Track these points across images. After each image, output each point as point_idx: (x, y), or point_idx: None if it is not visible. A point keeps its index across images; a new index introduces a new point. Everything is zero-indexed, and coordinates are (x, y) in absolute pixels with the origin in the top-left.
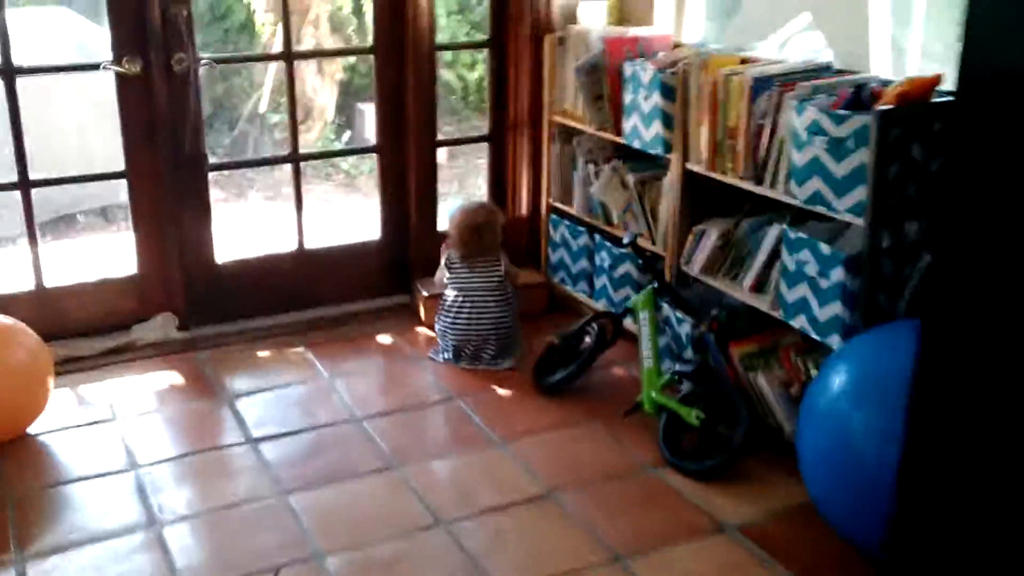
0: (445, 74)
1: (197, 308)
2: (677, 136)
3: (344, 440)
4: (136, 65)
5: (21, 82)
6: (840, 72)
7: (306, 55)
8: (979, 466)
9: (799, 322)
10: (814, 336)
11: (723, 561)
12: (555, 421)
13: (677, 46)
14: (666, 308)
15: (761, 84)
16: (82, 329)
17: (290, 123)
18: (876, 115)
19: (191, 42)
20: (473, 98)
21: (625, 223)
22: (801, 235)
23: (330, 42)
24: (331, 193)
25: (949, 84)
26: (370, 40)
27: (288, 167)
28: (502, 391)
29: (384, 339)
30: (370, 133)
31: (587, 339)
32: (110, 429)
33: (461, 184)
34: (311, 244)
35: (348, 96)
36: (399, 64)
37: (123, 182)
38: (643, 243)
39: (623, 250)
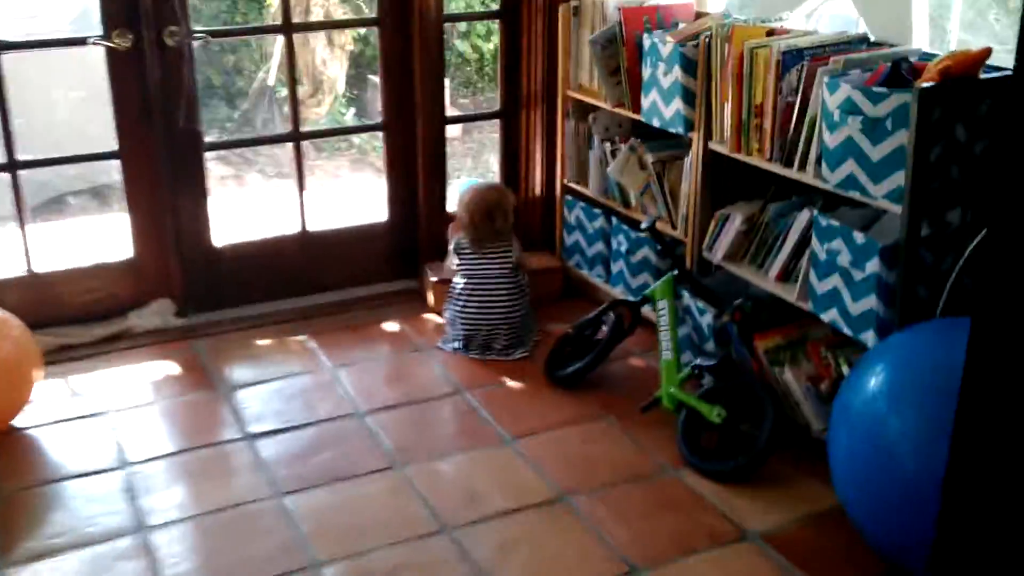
0: (459, 44)
1: (195, 294)
2: (699, 114)
3: (345, 436)
4: (127, 39)
5: (7, 57)
6: (876, 44)
7: (306, 27)
8: None
9: (830, 316)
10: (846, 331)
11: (746, 572)
12: (568, 416)
13: (699, 15)
14: (686, 297)
15: (790, 58)
16: (75, 316)
17: (291, 99)
18: (917, 93)
19: (184, 15)
20: (489, 69)
21: (643, 206)
22: (833, 222)
23: (339, 13)
24: (343, 169)
25: (997, 59)
26: (376, 10)
27: (291, 145)
28: (513, 383)
29: (390, 326)
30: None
31: (603, 328)
32: (101, 423)
33: (475, 160)
34: (315, 226)
35: (360, 68)
36: (405, 36)
37: (116, 163)
38: (662, 227)
39: (641, 234)
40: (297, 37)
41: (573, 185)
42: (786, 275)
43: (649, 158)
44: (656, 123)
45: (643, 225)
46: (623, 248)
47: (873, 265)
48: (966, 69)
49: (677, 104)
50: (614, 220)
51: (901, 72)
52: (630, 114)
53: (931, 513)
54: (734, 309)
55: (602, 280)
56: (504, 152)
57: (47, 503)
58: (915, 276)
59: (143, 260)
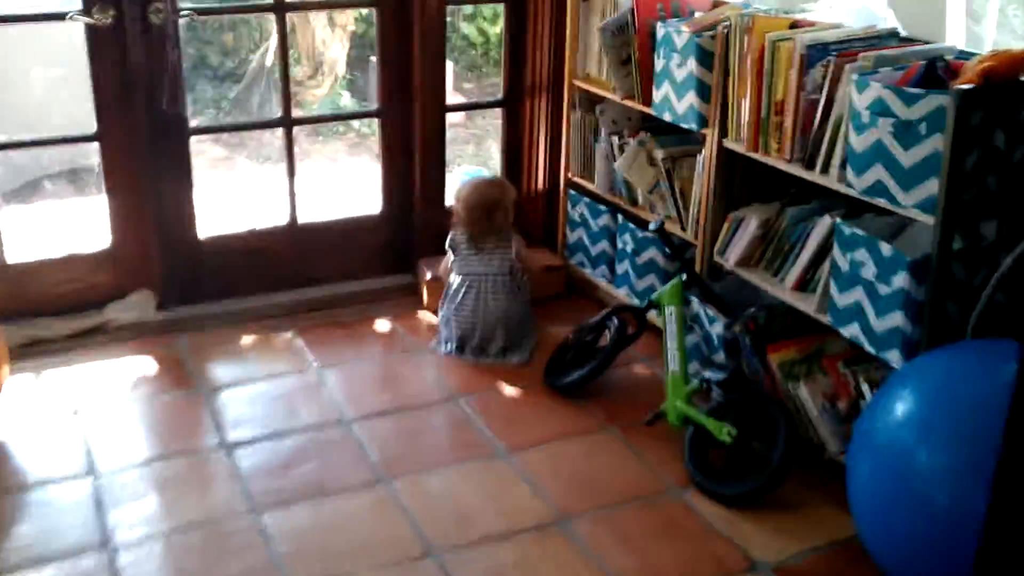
0: (465, 27)
1: (177, 286)
2: (714, 109)
3: (330, 446)
4: (108, 15)
5: None
6: (907, 41)
7: (300, 6)
8: None
9: (851, 331)
10: (869, 349)
11: None
12: (567, 428)
13: (717, 4)
14: (695, 303)
15: (815, 52)
16: (50, 308)
17: (283, 82)
18: (956, 96)
19: None
20: (495, 53)
21: (652, 205)
22: (858, 231)
23: None
24: (340, 153)
25: None
26: None
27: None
28: (509, 390)
29: (382, 325)
30: None
31: (606, 334)
32: (71, 425)
33: (477, 147)
34: (305, 218)
35: (363, 49)
36: (405, 18)
37: (95, 145)
38: (671, 228)
39: (648, 235)
40: (296, 16)
41: (578, 179)
42: (804, 284)
43: (659, 154)
44: (668, 118)
45: (651, 226)
46: (629, 248)
47: (901, 279)
48: (1010, 71)
49: (691, 98)
50: (620, 218)
51: (936, 72)
52: (640, 107)
53: (964, 554)
54: (746, 318)
55: (606, 281)
56: (506, 143)
57: (8, 513)
58: (945, 292)
59: (122, 249)
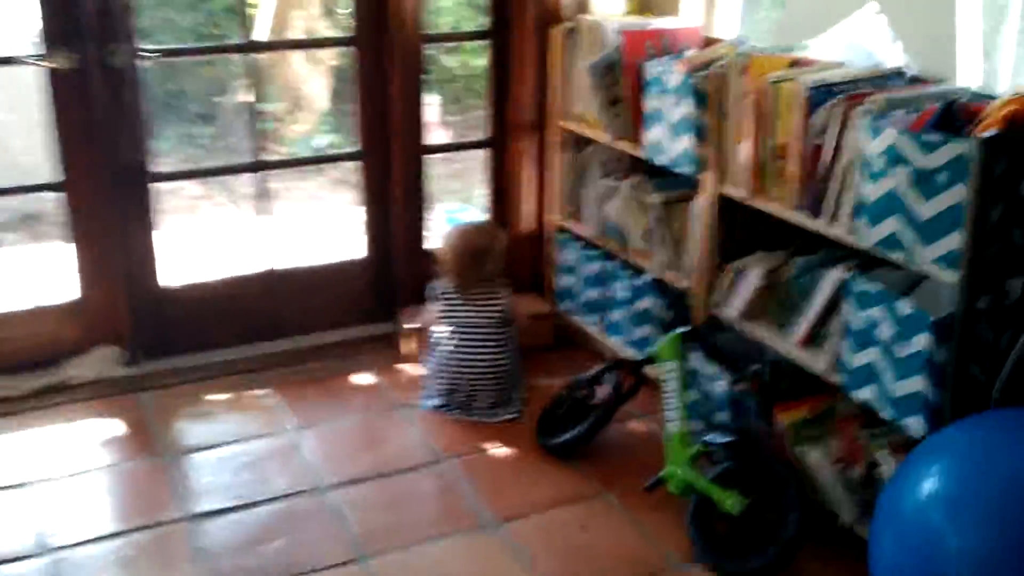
0: (448, 61)
1: (144, 340)
2: (711, 153)
3: (304, 518)
4: (69, 59)
5: None
6: (916, 80)
7: (271, 46)
8: None
9: (865, 394)
10: (886, 415)
11: None
12: (562, 494)
13: (708, 42)
14: (695, 358)
15: (820, 94)
16: (8, 364)
17: (251, 124)
18: (980, 143)
19: (129, 31)
20: (479, 86)
21: (646, 251)
22: (872, 288)
23: (322, 27)
24: (324, 190)
25: None
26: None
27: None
28: (499, 451)
29: (362, 379)
30: None
31: (600, 390)
32: (24, 496)
33: (463, 183)
34: (282, 264)
35: (346, 83)
36: (382, 58)
37: (59, 195)
38: (668, 275)
39: (643, 282)
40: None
41: (567, 223)
42: (812, 339)
43: (653, 199)
44: (662, 161)
45: (646, 279)
46: (623, 295)
47: (922, 340)
48: None
49: (686, 141)
50: (612, 264)
51: (953, 115)
52: (631, 149)
53: None
54: (751, 375)
55: (598, 329)
56: (492, 184)
57: None
58: (970, 354)
59: (91, 301)
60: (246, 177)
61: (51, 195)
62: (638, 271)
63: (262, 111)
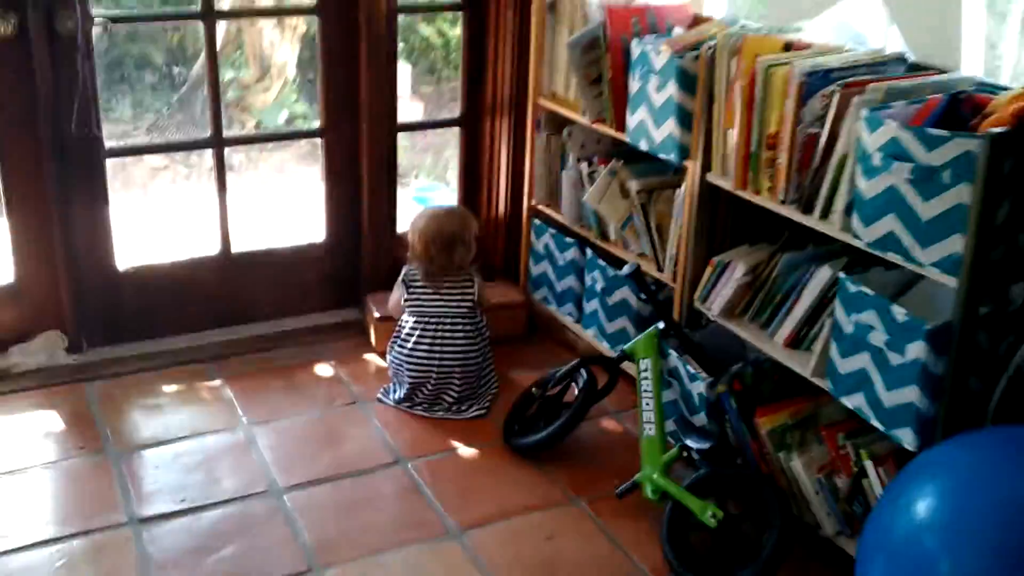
0: (423, 29)
1: (91, 325)
2: (697, 140)
3: (255, 524)
4: (8, 24)
5: None
6: (917, 68)
7: (231, 15)
8: None
9: (855, 401)
10: (876, 424)
11: None
12: (529, 498)
13: (697, 20)
14: (674, 356)
15: (815, 80)
16: None
17: (211, 100)
18: (987, 140)
19: None
20: (455, 57)
21: (625, 241)
22: (866, 290)
23: None
24: (289, 163)
25: None
26: None
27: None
28: (465, 451)
29: (323, 370)
30: None
31: (573, 387)
32: None
33: (436, 157)
34: (241, 246)
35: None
36: (351, 28)
37: None
38: (646, 267)
39: (620, 273)
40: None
41: (542, 208)
42: (797, 342)
43: (633, 185)
44: (644, 146)
45: (624, 270)
46: (598, 286)
47: (917, 349)
48: None
49: (671, 126)
50: (589, 252)
51: (959, 109)
52: (612, 132)
53: None
54: (732, 376)
55: (573, 320)
56: (464, 165)
57: None
58: (968, 365)
59: (27, 284)
60: (206, 152)
61: None
62: (616, 261)
63: (226, 80)
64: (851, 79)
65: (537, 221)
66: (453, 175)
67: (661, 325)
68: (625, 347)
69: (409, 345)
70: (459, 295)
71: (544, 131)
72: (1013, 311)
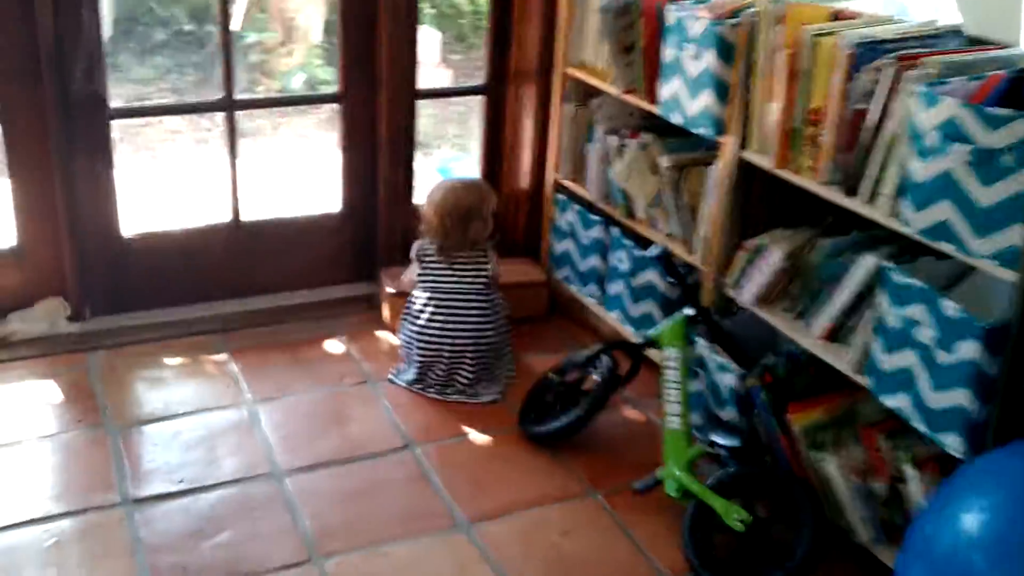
0: None
1: (95, 293)
2: (734, 113)
3: (255, 508)
4: None
5: None
6: (976, 42)
7: None
8: None
9: (897, 402)
10: (920, 427)
11: None
12: (544, 490)
13: None
14: (702, 344)
15: (865, 53)
16: None
17: (223, 60)
18: None
19: None
20: (485, 24)
21: (653, 220)
22: (914, 282)
23: None
24: (310, 130)
25: None
26: None
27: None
28: (477, 437)
29: (334, 346)
30: None
31: (593, 374)
32: None
33: (461, 127)
34: (252, 215)
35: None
36: None
37: None
38: (676, 248)
39: (647, 254)
40: None
41: (567, 183)
42: (835, 334)
43: (664, 161)
44: (676, 119)
45: (651, 252)
46: (624, 267)
47: (969, 349)
48: None
49: (706, 99)
50: (615, 231)
51: (1022, 86)
52: (644, 103)
53: None
54: (763, 369)
55: (595, 301)
56: (486, 136)
57: None
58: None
59: (29, 248)
60: (220, 116)
61: None
62: (643, 241)
63: (248, 43)
64: (905, 52)
65: (561, 196)
66: (476, 146)
67: (689, 311)
68: (650, 333)
69: (420, 322)
70: (473, 271)
71: (571, 101)
72: None
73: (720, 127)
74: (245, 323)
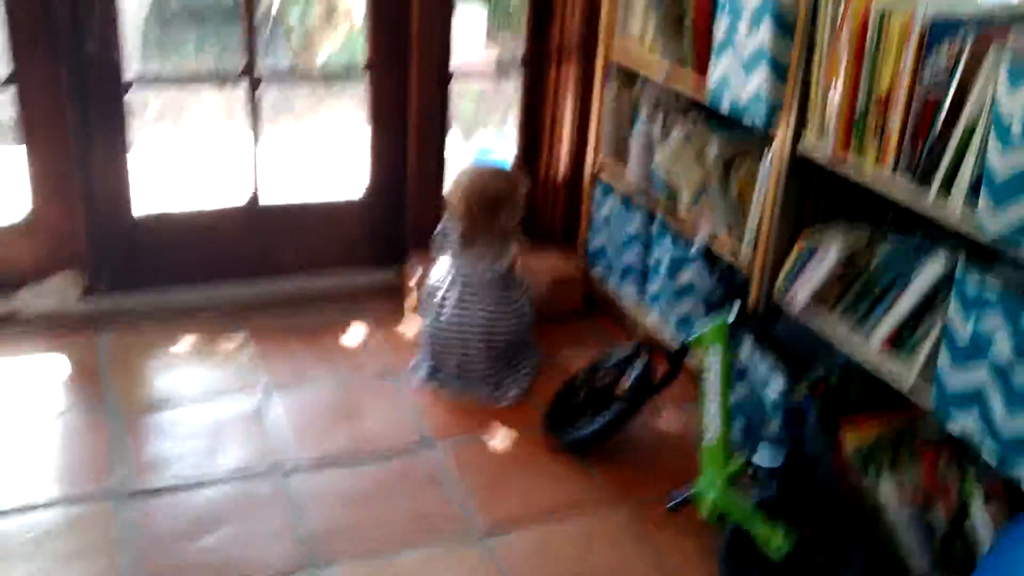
0: None
1: (109, 269)
2: (791, 96)
3: (253, 507)
4: None
5: None
6: None
7: None
8: None
9: (963, 426)
10: (988, 458)
11: None
12: (566, 503)
13: None
14: (746, 349)
15: (943, 28)
16: None
17: (246, 25)
18: None
19: None
20: None
21: (698, 213)
22: (992, 290)
23: None
24: (352, 113)
25: None
26: None
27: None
28: (498, 441)
29: (355, 335)
30: None
31: (627, 376)
32: None
33: (505, 114)
34: (273, 199)
35: None
36: None
37: (10, 90)
38: (722, 245)
39: (690, 250)
40: None
41: (607, 171)
42: (898, 344)
43: (712, 149)
44: (727, 102)
45: (695, 247)
46: (664, 264)
47: None
48: None
49: (760, 78)
50: (656, 224)
51: None
52: (692, 85)
53: None
54: (815, 379)
55: (633, 300)
56: (524, 118)
57: None
58: None
59: (43, 220)
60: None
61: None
62: (686, 236)
63: (295, 24)
64: (987, 29)
65: (601, 185)
66: (513, 129)
67: (733, 313)
68: (690, 337)
69: (435, 311)
70: (492, 257)
71: (614, 81)
72: None
73: (775, 111)
74: (264, 307)
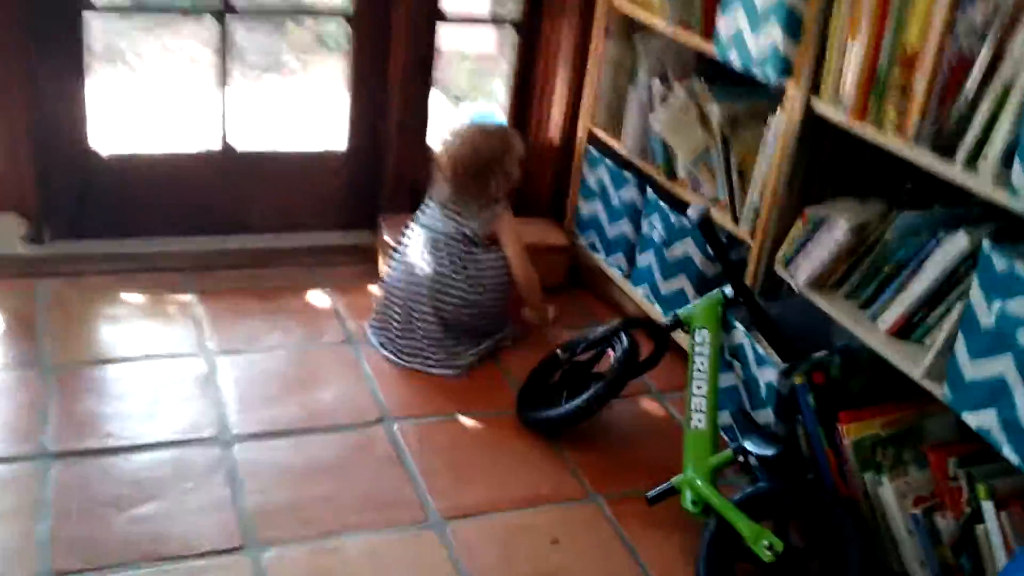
0: None
1: (58, 213)
2: (806, 53)
3: (190, 477)
4: None
5: None
6: None
7: None
8: None
9: (981, 420)
10: (1010, 456)
11: None
12: (536, 488)
13: None
14: (740, 331)
15: None
16: None
17: None
18: None
19: None
20: None
21: (695, 181)
22: (1019, 268)
23: None
24: (332, 61)
25: None
26: None
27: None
28: (466, 418)
29: (317, 298)
30: None
31: (609, 355)
32: None
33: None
34: (245, 145)
35: None
36: None
37: None
38: (720, 215)
39: (686, 220)
40: None
41: (601, 134)
42: (908, 330)
43: (715, 111)
44: (735, 59)
45: (690, 215)
46: (656, 235)
47: None
48: None
49: (773, 33)
50: (650, 192)
51: None
52: (698, 40)
53: None
54: (813, 366)
55: (621, 274)
56: (516, 77)
57: None
58: None
59: None
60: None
61: None
62: (682, 206)
63: None
64: None
65: (593, 149)
66: (503, 88)
67: (728, 290)
68: (680, 312)
69: (392, 267)
70: (465, 217)
71: (614, 38)
72: None
73: (787, 69)
74: (220, 263)
